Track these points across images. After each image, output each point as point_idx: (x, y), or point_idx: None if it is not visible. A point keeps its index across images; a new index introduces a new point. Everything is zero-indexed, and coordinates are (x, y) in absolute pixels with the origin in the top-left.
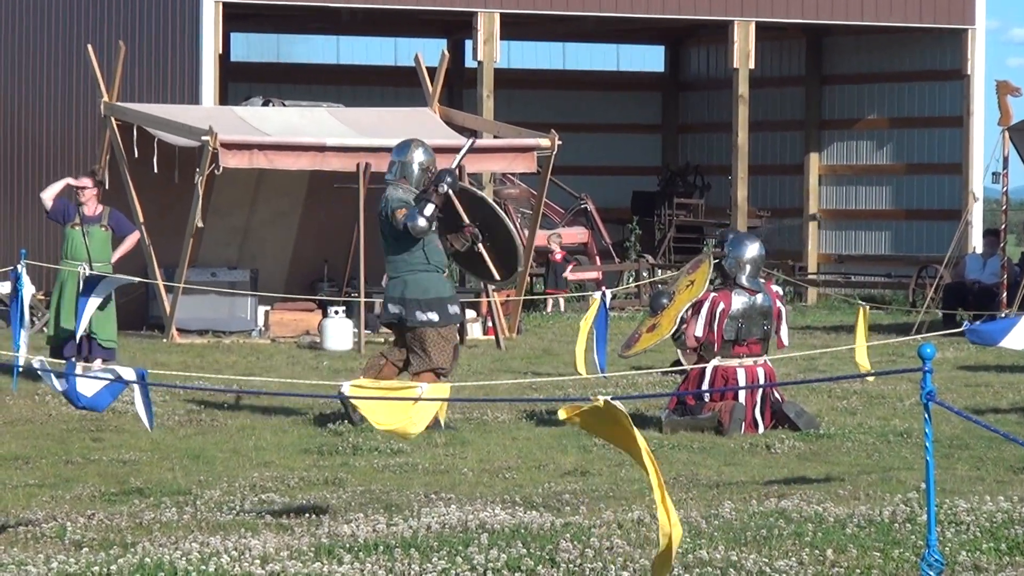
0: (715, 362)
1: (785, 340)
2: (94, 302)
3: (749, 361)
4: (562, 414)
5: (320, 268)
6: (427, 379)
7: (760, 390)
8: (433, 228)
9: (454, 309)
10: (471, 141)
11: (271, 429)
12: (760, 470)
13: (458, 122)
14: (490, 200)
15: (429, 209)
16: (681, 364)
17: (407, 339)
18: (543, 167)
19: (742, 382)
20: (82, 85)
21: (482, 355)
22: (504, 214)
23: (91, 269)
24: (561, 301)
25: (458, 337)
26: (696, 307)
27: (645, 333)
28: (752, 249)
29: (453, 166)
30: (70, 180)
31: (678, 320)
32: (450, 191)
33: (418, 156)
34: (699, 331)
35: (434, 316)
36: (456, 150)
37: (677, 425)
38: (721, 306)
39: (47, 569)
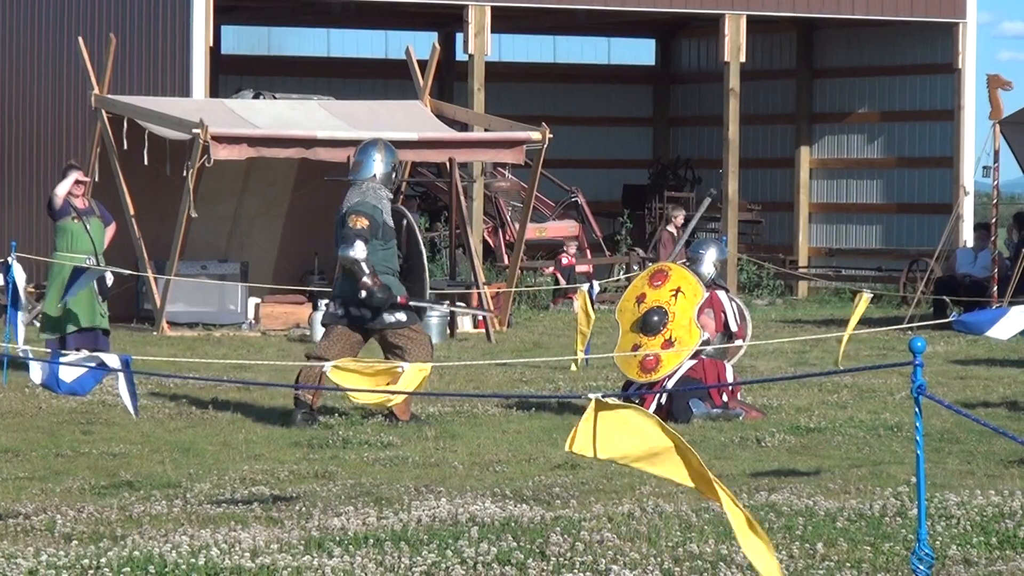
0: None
1: None
2: (82, 284)
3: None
4: (567, 447)
5: (310, 261)
6: None
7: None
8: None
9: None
10: None
11: (261, 422)
12: (750, 463)
13: (449, 115)
14: (420, 240)
15: (362, 268)
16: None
17: (384, 344)
18: (534, 160)
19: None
20: (72, 77)
21: (472, 348)
22: (425, 263)
23: (97, 262)
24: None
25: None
26: (704, 307)
27: (663, 352)
28: (716, 251)
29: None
30: (78, 176)
31: (699, 327)
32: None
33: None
34: (733, 323)
35: (402, 316)
36: (444, 143)
37: (708, 417)
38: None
39: (37, 562)
